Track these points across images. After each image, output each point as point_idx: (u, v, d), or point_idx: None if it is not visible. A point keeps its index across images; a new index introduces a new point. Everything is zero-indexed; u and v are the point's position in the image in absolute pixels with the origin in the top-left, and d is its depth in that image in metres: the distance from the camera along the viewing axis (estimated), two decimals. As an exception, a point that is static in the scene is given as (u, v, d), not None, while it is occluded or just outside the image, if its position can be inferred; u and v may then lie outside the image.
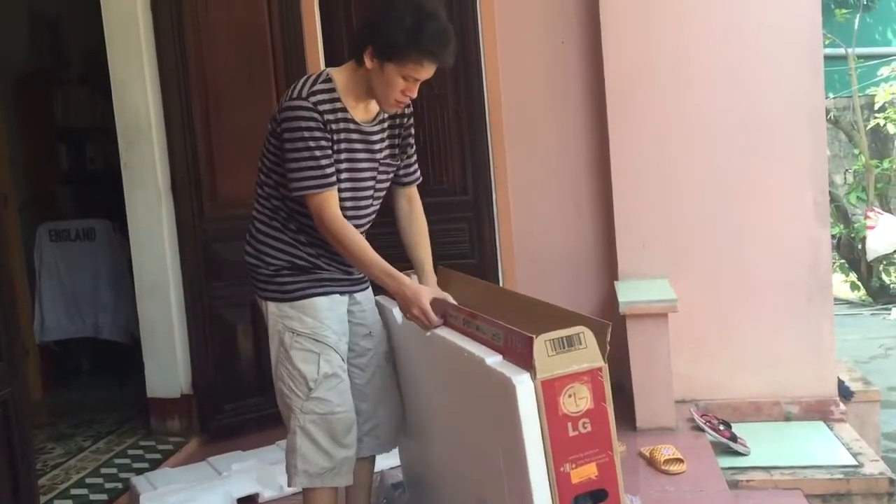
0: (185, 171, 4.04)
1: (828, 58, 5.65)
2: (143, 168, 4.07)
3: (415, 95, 2.39)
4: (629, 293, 3.85)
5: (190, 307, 4.09)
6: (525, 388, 1.79)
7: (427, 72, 2.31)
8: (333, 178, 2.36)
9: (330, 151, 2.35)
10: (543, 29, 4.30)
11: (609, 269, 4.26)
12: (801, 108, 3.96)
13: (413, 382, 2.63)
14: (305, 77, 2.42)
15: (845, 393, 4.10)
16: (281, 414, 2.55)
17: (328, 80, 2.39)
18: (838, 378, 4.09)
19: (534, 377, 1.79)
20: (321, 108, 2.33)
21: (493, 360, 1.95)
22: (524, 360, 1.83)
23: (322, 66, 4.36)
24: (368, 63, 2.32)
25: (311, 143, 2.31)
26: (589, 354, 1.82)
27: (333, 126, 2.36)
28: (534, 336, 1.79)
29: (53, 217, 5.42)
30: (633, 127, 4.10)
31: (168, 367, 4.14)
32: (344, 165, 2.41)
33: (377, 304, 2.70)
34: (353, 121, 2.41)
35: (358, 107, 2.43)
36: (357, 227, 2.47)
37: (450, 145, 4.41)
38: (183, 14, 3.99)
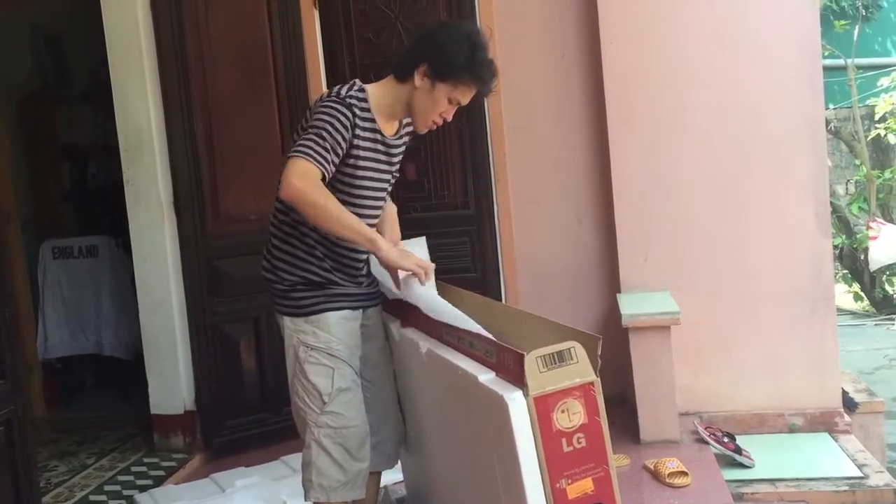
0: (188, 188, 4.06)
1: (827, 69, 5.68)
2: (145, 184, 4.09)
3: (450, 118, 2.50)
4: (631, 305, 3.84)
5: (193, 323, 4.09)
6: (517, 406, 1.79)
7: (469, 96, 2.45)
8: (329, 168, 2.35)
9: (341, 151, 2.38)
10: (543, 43, 4.32)
11: (611, 281, 4.25)
12: (802, 119, 3.96)
13: (411, 399, 2.64)
14: (341, 84, 2.48)
15: (850, 404, 4.09)
16: (297, 427, 2.58)
17: (362, 90, 2.46)
18: (842, 389, 4.08)
19: (526, 394, 1.80)
20: (355, 109, 2.40)
21: (486, 377, 1.96)
22: (516, 377, 1.83)
23: (323, 83, 4.39)
24: (418, 81, 2.41)
25: (331, 129, 2.35)
26: (581, 369, 1.82)
27: (361, 133, 2.41)
28: (525, 353, 1.80)
29: (56, 234, 5.42)
30: (634, 139, 4.10)
31: (171, 383, 4.14)
32: (367, 174, 2.47)
33: None
34: (380, 132, 2.48)
35: (387, 122, 2.51)
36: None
37: (451, 159, 4.42)
38: (184, 31, 4.01)
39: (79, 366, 5.46)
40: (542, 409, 1.79)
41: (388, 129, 2.51)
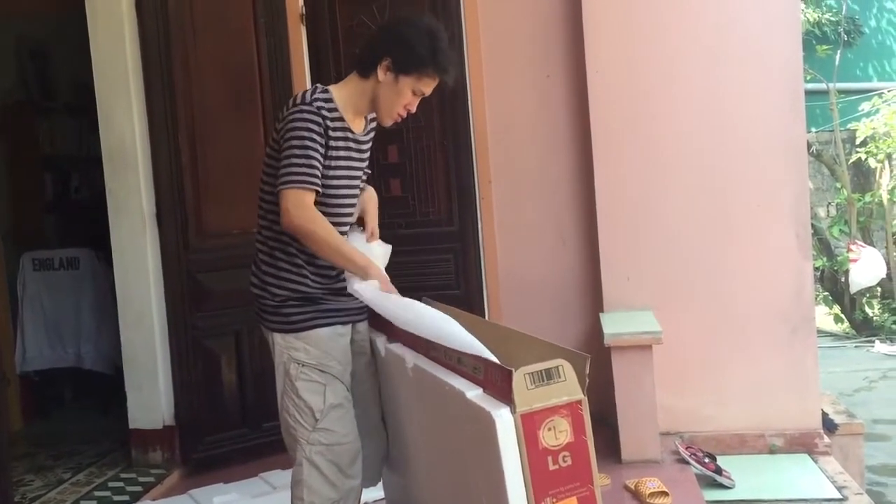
0: (171, 201, 4.03)
1: (809, 93, 5.73)
2: (128, 197, 4.06)
3: (414, 110, 2.54)
4: (614, 325, 3.85)
5: (174, 337, 4.06)
6: (504, 422, 1.78)
7: (432, 87, 2.50)
8: (318, 183, 2.39)
9: (321, 157, 2.40)
10: (529, 63, 4.34)
11: (594, 300, 4.26)
12: (784, 142, 4.00)
13: (395, 414, 2.63)
14: (303, 90, 2.51)
15: (829, 426, 4.11)
16: (286, 444, 2.55)
17: (325, 90, 2.48)
18: (822, 411, 4.10)
19: (513, 411, 1.79)
20: (323, 112, 2.42)
21: (474, 393, 1.94)
22: (504, 394, 1.82)
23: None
24: (381, 75, 2.45)
25: (309, 143, 2.37)
26: (568, 387, 1.82)
27: (332, 133, 2.43)
28: (513, 369, 1.79)
29: (37, 246, 5.38)
30: (618, 160, 4.13)
31: (150, 397, 4.09)
32: (341, 172, 2.48)
33: None
34: (349, 129, 2.50)
35: (354, 119, 2.53)
36: (343, 225, 2.54)
37: (436, 176, 4.43)
38: (171, 44, 4.00)
39: (58, 379, 5.40)
40: (529, 426, 1.78)
41: (356, 125, 2.53)
